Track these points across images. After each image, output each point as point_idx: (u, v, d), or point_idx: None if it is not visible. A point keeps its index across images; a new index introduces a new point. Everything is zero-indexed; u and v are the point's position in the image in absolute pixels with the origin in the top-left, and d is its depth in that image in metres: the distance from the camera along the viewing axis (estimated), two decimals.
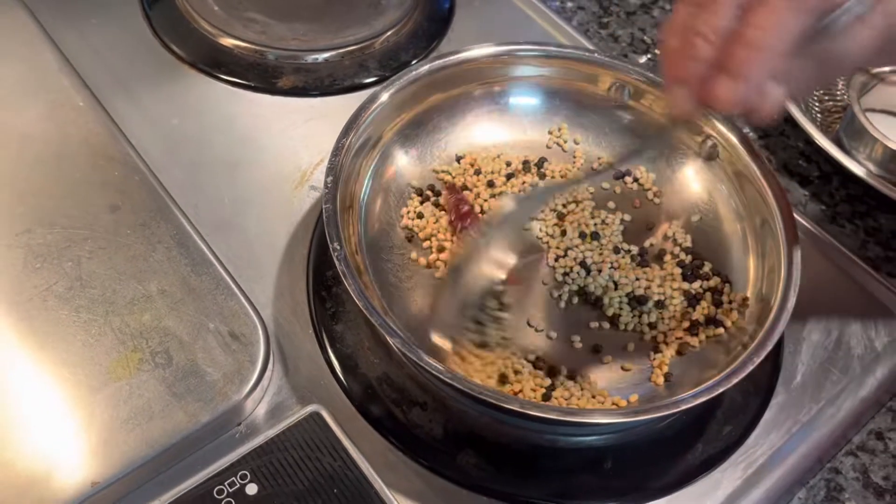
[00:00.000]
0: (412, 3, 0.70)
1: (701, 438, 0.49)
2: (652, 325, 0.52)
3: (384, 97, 0.54)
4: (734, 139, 0.55)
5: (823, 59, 0.39)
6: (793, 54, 0.38)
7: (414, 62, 0.67)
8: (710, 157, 0.57)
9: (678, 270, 0.54)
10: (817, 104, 0.70)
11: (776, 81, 0.39)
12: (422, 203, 0.57)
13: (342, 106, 0.63)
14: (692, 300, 0.53)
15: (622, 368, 0.51)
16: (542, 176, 0.58)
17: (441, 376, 0.43)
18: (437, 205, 0.57)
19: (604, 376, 0.50)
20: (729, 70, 0.38)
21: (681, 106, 0.41)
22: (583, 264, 0.54)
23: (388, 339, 0.44)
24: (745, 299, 0.52)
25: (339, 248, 0.47)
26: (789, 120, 0.69)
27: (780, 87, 0.39)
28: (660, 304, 0.53)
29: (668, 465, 0.48)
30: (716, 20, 0.38)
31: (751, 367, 0.45)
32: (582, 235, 0.55)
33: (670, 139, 0.58)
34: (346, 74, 0.66)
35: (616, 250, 0.55)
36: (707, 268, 0.55)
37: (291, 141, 0.62)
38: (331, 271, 0.53)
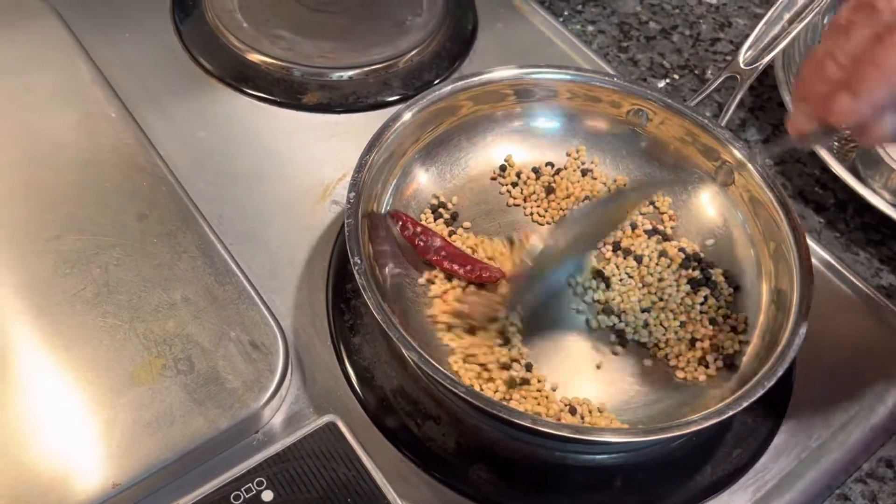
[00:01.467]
0: (436, 25, 0.72)
1: (710, 460, 0.50)
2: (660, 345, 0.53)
3: (407, 116, 0.56)
4: (750, 165, 0.56)
5: None
6: None
7: (436, 82, 0.69)
8: (726, 182, 0.58)
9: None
10: None
11: (894, 108, 0.40)
12: (435, 219, 0.58)
13: (365, 123, 0.65)
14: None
15: (636, 385, 0.52)
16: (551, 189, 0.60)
17: (457, 391, 0.44)
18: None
19: (612, 394, 0.51)
20: (851, 86, 0.40)
21: (797, 123, 0.43)
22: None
23: (405, 352, 0.45)
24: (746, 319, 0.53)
25: (359, 262, 0.48)
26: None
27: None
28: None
29: (678, 485, 0.49)
30: (850, 47, 0.40)
31: (761, 392, 0.45)
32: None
33: (686, 164, 0.60)
34: (369, 92, 0.67)
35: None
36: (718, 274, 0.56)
37: (315, 156, 0.63)
38: (350, 284, 0.54)
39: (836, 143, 0.69)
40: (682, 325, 0.54)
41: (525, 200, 0.60)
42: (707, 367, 0.52)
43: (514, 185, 0.60)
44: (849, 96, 0.40)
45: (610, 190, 0.60)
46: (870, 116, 0.40)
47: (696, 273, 0.56)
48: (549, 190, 0.60)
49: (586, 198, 0.60)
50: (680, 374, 0.52)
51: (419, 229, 0.55)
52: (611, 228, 0.57)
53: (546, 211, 0.60)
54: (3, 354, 0.48)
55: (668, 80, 0.75)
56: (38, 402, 0.47)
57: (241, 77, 0.66)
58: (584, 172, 0.61)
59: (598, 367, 0.53)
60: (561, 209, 0.59)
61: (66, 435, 0.46)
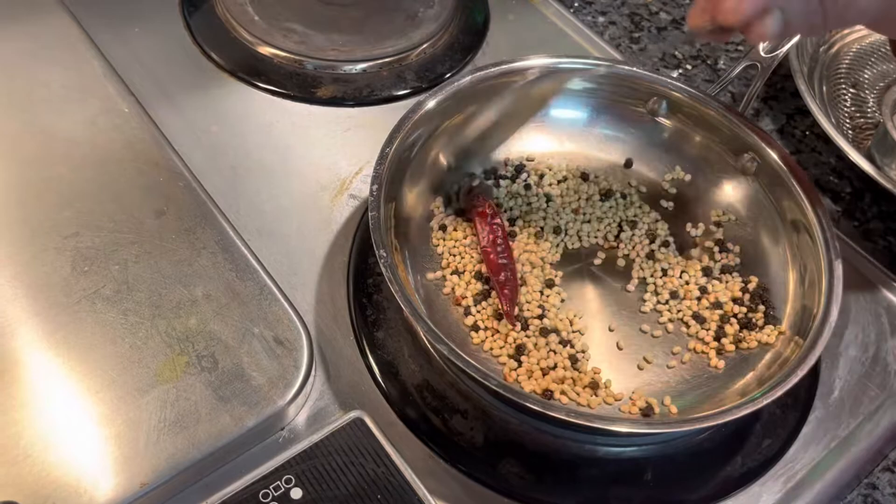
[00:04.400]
0: (448, 17, 0.71)
1: (741, 451, 0.49)
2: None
3: (428, 106, 0.55)
4: (773, 154, 0.56)
5: (826, 3, 0.43)
6: None
7: (449, 74, 0.68)
8: (748, 171, 0.58)
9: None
10: (848, 121, 0.70)
11: (777, 9, 0.43)
12: (446, 207, 0.57)
13: (380, 116, 0.64)
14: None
15: (667, 366, 0.52)
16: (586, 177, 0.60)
17: (489, 384, 0.43)
18: (460, 212, 0.57)
19: (643, 383, 0.51)
20: None
21: (694, 17, 0.46)
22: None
23: (434, 346, 0.45)
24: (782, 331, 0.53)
25: (385, 255, 0.47)
26: (821, 136, 0.69)
27: (779, 13, 0.43)
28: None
29: (708, 477, 0.48)
30: None
31: (795, 381, 0.45)
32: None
33: (708, 154, 0.59)
34: (383, 85, 0.66)
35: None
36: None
37: (330, 150, 0.62)
38: (371, 279, 0.54)
39: (850, 132, 0.69)
40: (701, 318, 0.54)
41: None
42: (734, 355, 0.52)
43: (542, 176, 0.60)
44: None
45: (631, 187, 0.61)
46: (753, 15, 0.43)
47: (724, 262, 0.56)
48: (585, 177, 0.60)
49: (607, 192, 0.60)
50: (712, 363, 0.52)
51: (497, 221, 0.55)
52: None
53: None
54: (24, 354, 0.47)
55: (680, 71, 0.75)
56: (62, 402, 0.46)
57: (254, 71, 0.66)
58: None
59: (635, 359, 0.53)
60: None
61: (92, 435, 0.45)
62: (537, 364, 0.50)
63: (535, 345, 0.51)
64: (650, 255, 0.57)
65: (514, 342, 0.51)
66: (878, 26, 0.48)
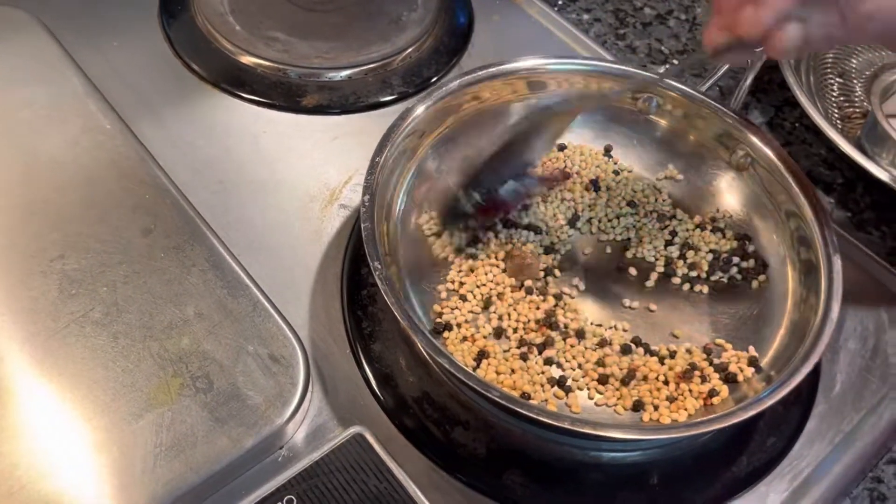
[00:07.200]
0: (432, 20, 0.70)
1: (746, 451, 0.49)
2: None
3: (416, 112, 0.54)
4: (766, 149, 0.55)
5: (847, 16, 0.43)
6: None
7: (435, 78, 0.67)
8: (742, 167, 0.57)
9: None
10: (837, 110, 0.70)
11: (797, 20, 0.43)
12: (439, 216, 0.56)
13: (367, 123, 0.64)
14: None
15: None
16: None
17: (490, 395, 0.42)
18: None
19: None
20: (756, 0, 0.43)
21: (711, 35, 0.46)
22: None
23: (434, 358, 0.44)
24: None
25: (379, 266, 0.47)
26: (811, 127, 0.69)
27: (799, 25, 0.43)
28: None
29: (714, 478, 0.48)
30: None
31: (799, 378, 0.45)
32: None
33: (701, 151, 0.59)
34: (369, 91, 0.66)
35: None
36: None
37: (318, 159, 0.61)
38: (365, 290, 0.53)
39: (839, 122, 0.69)
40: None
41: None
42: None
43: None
44: (753, 6, 0.43)
45: (619, 172, 0.60)
46: (773, 26, 0.43)
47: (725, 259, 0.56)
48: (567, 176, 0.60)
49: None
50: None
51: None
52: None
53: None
54: (13, 382, 0.46)
55: (667, 66, 0.74)
56: (53, 431, 0.45)
57: (237, 81, 0.65)
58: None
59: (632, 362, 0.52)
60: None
61: (87, 463, 0.44)
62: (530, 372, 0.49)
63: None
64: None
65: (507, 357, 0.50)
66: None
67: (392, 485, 0.44)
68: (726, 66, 0.60)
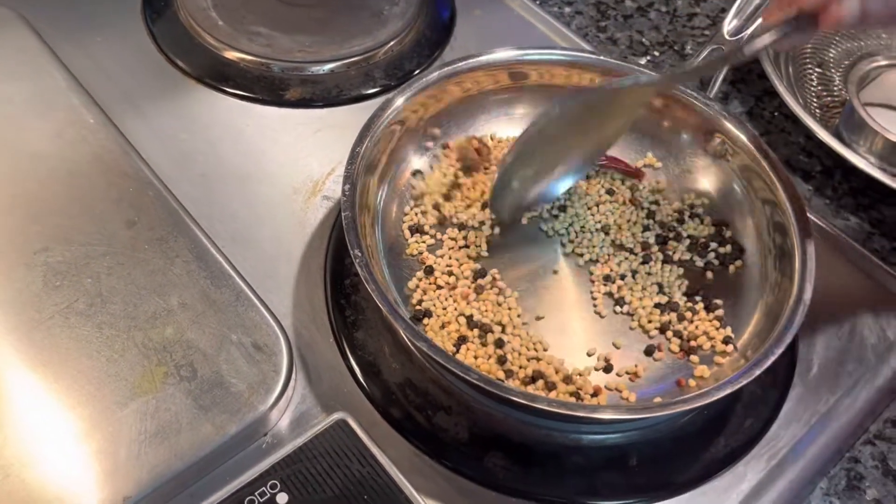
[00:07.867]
0: (414, 14, 0.71)
1: (723, 432, 0.50)
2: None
3: (397, 103, 0.55)
4: (743, 137, 0.56)
5: None
6: None
7: (417, 71, 0.68)
8: (719, 155, 0.58)
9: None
10: (815, 100, 0.71)
11: None
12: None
13: (349, 116, 0.64)
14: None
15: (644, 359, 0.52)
16: None
17: (470, 378, 0.43)
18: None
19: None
20: None
21: (772, 13, 0.48)
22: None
23: (415, 344, 0.45)
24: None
25: (360, 254, 0.47)
26: (790, 116, 0.70)
27: None
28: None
29: (693, 459, 0.49)
30: None
31: (772, 359, 0.45)
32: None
33: (679, 140, 0.59)
34: (352, 85, 0.66)
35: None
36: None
37: (301, 152, 0.62)
38: (348, 279, 0.54)
39: (817, 111, 0.70)
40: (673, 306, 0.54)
41: None
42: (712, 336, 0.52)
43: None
44: None
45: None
46: None
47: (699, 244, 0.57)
48: None
49: None
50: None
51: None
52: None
53: None
54: None
55: (648, 58, 0.75)
56: (39, 419, 0.45)
57: (220, 76, 0.65)
58: None
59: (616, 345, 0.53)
60: None
61: (71, 451, 0.44)
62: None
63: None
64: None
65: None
66: None
67: (375, 469, 0.45)
68: (703, 55, 0.61)
